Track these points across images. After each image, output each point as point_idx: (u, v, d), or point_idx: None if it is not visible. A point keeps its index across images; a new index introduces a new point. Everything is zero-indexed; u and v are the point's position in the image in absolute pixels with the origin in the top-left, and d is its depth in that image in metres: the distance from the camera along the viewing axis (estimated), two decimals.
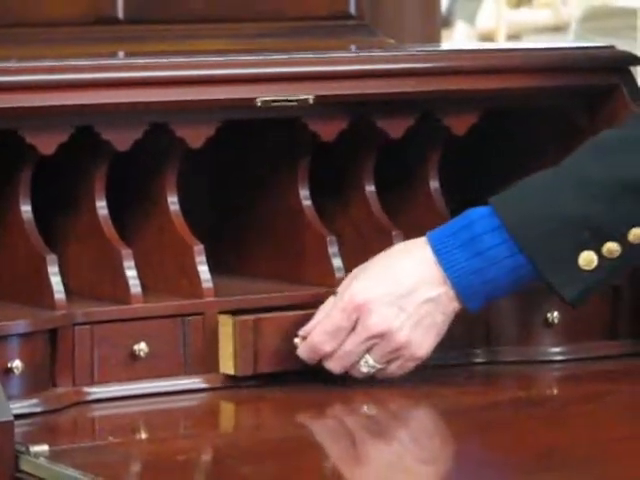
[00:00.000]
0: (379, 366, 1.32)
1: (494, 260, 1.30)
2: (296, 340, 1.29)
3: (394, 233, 1.47)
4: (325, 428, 1.43)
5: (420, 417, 1.46)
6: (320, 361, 1.32)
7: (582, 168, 1.34)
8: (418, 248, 1.33)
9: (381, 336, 1.30)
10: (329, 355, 1.32)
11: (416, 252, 1.33)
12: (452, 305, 1.31)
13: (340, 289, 1.34)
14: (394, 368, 1.33)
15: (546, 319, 1.43)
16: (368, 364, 1.32)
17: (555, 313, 1.46)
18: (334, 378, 1.35)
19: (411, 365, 1.33)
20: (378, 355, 1.31)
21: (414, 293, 1.31)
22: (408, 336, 1.31)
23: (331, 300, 1.32)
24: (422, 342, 1.32)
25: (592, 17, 5.48)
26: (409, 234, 1.48)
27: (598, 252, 1.29)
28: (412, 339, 1.31)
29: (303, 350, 1.33)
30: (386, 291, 1.31)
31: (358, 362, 1.32)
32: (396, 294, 1.31)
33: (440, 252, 1.31)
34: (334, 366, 1.32)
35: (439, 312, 1.32)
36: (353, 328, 1.31)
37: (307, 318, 1.36)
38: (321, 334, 1.31)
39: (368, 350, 1.31)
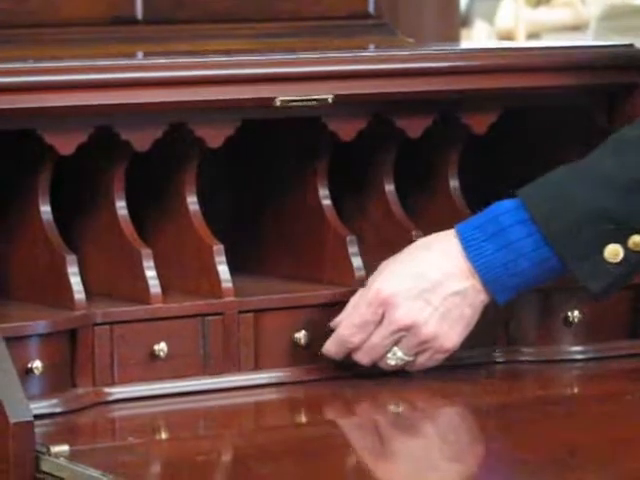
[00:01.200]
0: (407, 358, 1.32)
1: (522, 252, 1.29)
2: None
3: (414, 233, 1.44)
4: (351, 425, 1.40)
5: (446, 415, 1.43)
6: (349, 355, 1.32)
7: (602, 164, 1.33)
8: (444, 241, 1.33)
9: (407, 329, 1.30)
10: (357, 348, 1.31)
11: (442, 245, 1.33)
12: (480, 297, 1.31)
13: (368, 282, 1.33)
14: (423, 360, 1.32)
15: (566, 318, 1.40)
16: (396, 356, 1.31)
17: (575, 312, 1.44)
18: (363, 376, 1.33)
19: (440, 357, 1.32)
20: (406, 348, 1.31)
21: (440, 286, 1.30)
22: (435, 329, 1.30)
23: (359, 293, 1.33)
24: (450, 334, 1.32)
25: (611, 16, 5.52)
26: (429, 233, 1.44)
27: (624, 245, 1.28)
28: (439, 332, 1.31)
29: (331, 343, 1.32)
30: (412, 285, 1.31)
31: (386, 354, 1.32)
32: (421, 287, 1.31)
33: (468, 244, 1.31)
34: (362, 358, 1.31)
35: (466, 305, 1.31)
36: (380, 321, 1.31)
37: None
38: (348, 327, 1.31)
39: (396, 343, 1.31)
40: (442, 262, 1.33)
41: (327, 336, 1.35)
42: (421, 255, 1.34)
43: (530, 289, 1.38)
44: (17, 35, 1.51)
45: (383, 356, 1.32)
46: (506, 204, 1.30)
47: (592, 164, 1.37)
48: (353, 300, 1.34)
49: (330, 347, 1.33)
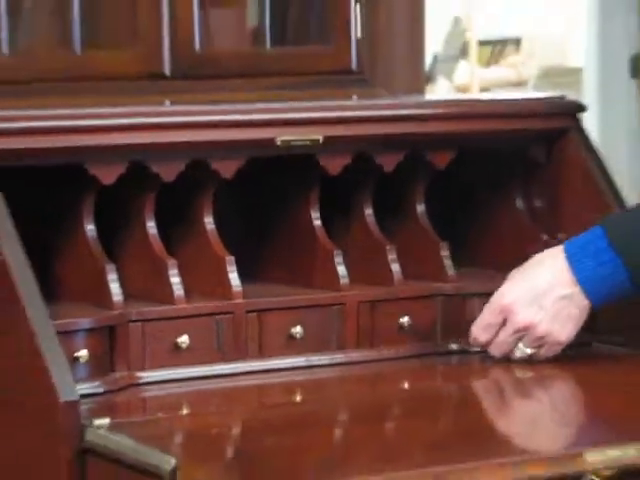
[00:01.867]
0: (530, 351, 1.52)
1: (611, 271, 1.50)
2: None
3: (388, 247, 1.60)
4: (353, 403, 1.51)
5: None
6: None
7: None
8: (552, 258, 1.53)
9: (525, 329, 1.50)
10: (488, 344, 1.53)
11: (550, 261, 1.53)
12: (583, 302, 1.50)
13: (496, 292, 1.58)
14: (544, 352, 1.52)
15: None
16: (521, 350, 1.52)
17: None
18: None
19: (558, 348, 1.52)
20: (527, 343, 1.51)
21: (550, 292, 1.49)
22: (548, 327, 1.50)
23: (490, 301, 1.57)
24: (562, 331, 1.51)
25: (547, 75, 5.94)
26: (401, 249, 1.62)
27: None
28: (552, 329, 1.50)
29: (470, 340, 1.55)
30: (526, 293, 1.51)
31: (513, 349, 1.53)
32: (534, 295, 1.50)
33: (572, 260, 1.50)
34: (494, 352, 1.53)
35: (573, 307, 1.50)
36: (504, 323, 1.51)
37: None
38: (477, 328, 1.53)
39: (519, 339, 1.51)
40: (550, 274, 1.52)
41: None
42: (535, 269, 1.54)
43: (621, 299, 1.56)
44: (70, 87, 1.66)
45: (511, 351, 1.53)
46: (599, 229, 1.51)
47: None
48: (485, 306, 1.56)
49: (471, 342, 1.56)
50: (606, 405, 1.46)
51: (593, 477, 1.24)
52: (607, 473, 1.23)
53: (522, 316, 1.52)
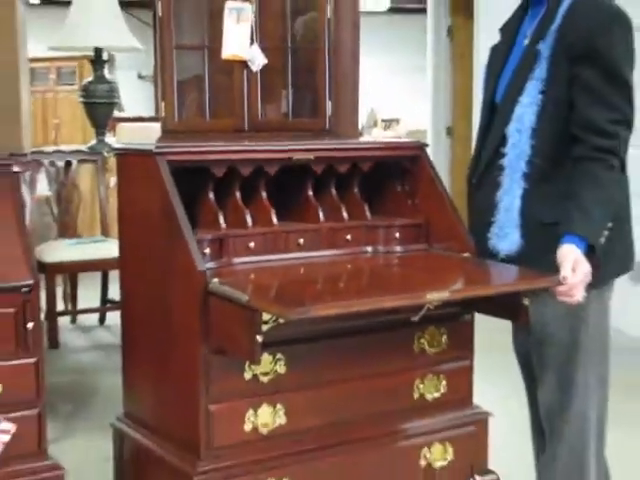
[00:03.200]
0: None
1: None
2: None
3: (342, 207, 2.25)
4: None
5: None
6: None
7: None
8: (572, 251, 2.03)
9: (586, 275, 1.95)
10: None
11: (572, 253, 2.03)
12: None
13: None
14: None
15: None
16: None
17: None
18: None
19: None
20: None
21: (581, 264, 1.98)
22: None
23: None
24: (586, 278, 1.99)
25: (410, 134, 8.24)
26: (342, 211, 2.23)
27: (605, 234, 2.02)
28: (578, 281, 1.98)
29: (561, 277, 1.97)
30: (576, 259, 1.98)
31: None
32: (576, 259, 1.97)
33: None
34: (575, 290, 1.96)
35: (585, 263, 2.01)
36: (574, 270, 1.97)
37: None
38: (565, 271, 1.96)
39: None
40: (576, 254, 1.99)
41: None
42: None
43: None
44: (206, 135, 2.34)
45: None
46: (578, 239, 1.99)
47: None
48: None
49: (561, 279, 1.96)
50: (438, 276, 2.09)
51: (429, 305, 1.98)
52: (436, 304, 1.94)
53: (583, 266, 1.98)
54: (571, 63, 2.04)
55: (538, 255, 2.07)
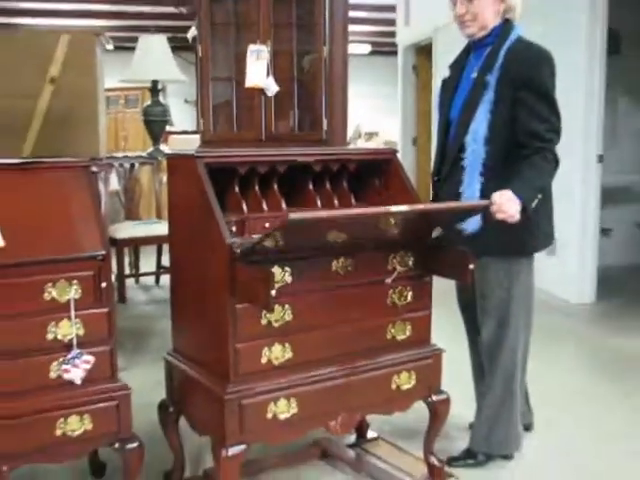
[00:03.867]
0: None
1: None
2: None
3: (334, 197, 2.15)
4: None
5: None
6: None
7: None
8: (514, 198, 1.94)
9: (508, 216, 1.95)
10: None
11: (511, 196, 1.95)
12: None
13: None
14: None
15: None
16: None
17: None
18: None
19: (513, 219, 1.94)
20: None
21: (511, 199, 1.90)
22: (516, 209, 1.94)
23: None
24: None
25: (386, 144, 7.93)
26: (334, 200, 2.12)
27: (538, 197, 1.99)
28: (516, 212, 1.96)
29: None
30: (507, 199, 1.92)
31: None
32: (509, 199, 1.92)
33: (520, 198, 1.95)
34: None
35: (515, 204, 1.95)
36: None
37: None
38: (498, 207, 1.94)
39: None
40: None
41: None
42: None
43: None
44: (234, 144, 2.27)
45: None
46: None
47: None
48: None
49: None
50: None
51: (391, 219, 1.76)
52: (398, 217, 1.72)
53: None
54: (514, 89, 2.11)
55: (494, 232, 2.10)
